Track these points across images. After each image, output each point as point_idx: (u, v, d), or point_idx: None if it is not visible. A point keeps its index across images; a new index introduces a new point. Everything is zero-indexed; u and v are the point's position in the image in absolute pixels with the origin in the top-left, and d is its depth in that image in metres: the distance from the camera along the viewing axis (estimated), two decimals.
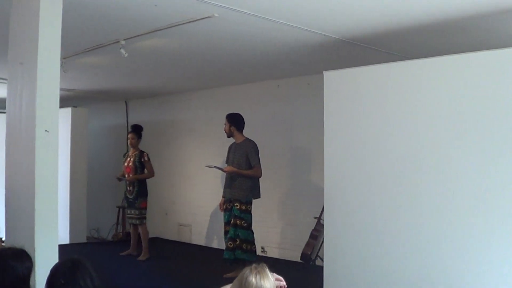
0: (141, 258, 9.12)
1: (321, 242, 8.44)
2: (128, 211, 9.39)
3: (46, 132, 4.41)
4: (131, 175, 9.20)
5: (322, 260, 8.04)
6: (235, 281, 2.98)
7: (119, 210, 11.80)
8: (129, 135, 9.49)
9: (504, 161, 4.96)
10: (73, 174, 10.96)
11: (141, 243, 9.31)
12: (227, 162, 8.06)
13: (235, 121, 7.97)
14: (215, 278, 7.65)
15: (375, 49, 6.95)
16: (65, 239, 10.37)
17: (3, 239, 6.30)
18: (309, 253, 8.61)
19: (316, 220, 8.58)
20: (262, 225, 9.00)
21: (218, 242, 10.22)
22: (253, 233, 7.81)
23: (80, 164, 11.22)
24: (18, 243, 3.81)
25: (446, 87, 5.40)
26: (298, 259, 8.79)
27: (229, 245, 7.73)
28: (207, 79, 9.91)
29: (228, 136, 8.04)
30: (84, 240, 11.20)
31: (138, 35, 6.32)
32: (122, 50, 6.53)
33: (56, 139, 4.51)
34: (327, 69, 6.43)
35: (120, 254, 9.49)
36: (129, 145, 9.58)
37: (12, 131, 4.80)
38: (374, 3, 5.29)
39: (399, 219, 5.65)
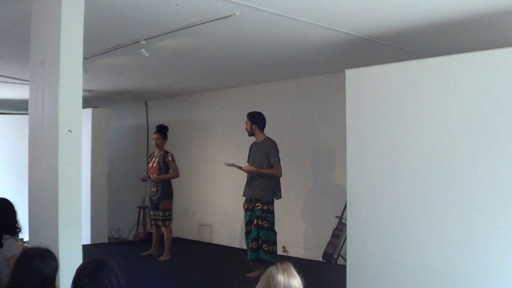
0: (162, 258, 9.10)
1: (343, 241, 8.39)
2: (152, 212, 9.38)
3: (69, 132, 4.41)
4: (155, 176, 9.19)
5: (344, 259, 8.01)
6: (262, 281, 2.95)
7: (139, 210, 11.81)
8: (154, 136, 9.43)
9: None
10: (94, 175, 10.97)
11: (162, 243, 9.30)
12: (248, 161, 8.03)
13: (257, 120, 7.91)
14: (238, 278, 7.65)
15: (397, 46, 6.90)
16: (87, 240, 10.38)
17: (25, 239, 6.33)
18: (331, 252, 8.55)
19: (338, 219, 8.53)
20: (283, 225, 8.96)
21: (239, 242, 10.18)
22: (275, 233, 7.74)
23: (101, 165, 11.24)
24: (42, 243, 3.82)
25: (470, 85, 5.35)
26: (320, 259, 8.73)
27: (253, 246, 7.67)
28: (227, 79, 9.90)
29: (250, 135, 7.97)
30: (105, 240, 11.23)
31: (159, 35, 6.32)
32: (143, 50, 6.52)
33: (79, 139, 4.52)
34: (347, 68, 6.39)
35: (142, 254, 9.48)
36: (154, 146, 9.52)
37: (35, 132, 4.81)
38: (395, 0, 5.25)
39: (423, 218, 5.60)
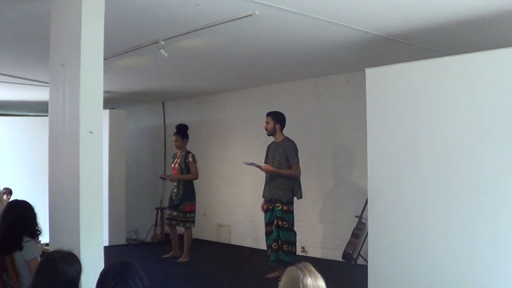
0: (181, 260, 9.08)
1: (363, 240, 8.35)
2: (168, 212, 9.30)
3: (90, 133, 4.40)
4: (174, 175, 9.15)
5: (364, 259, 7.98)
6: (286, 284, 2.90)
7: (157, 212, 11.80)
8: (173, 137, 9.34)
9: None
10: (111, 176, 10.96)
11: (181, 244, 9.26)
12: (266, 162, 7.97)
13: (280, 119, 7.87)
14: (258, 279, 7.62)
15: (416, 45, 6.85)
16: (105, 241, 10.33)
17: (42, 242, 6.31)
18: (351, 252, 8.51)
19: (358, 218, 8.49)
20: (302, 225, 8.93)
21: (258, 242, 10.15)
22: (295, 234, 7.70)
23: (119, 166, 11.25)
24: (63, 246, 3.80)
25: (492, 82, 5.29)
26: (339, 259, 8.70)
27: (273, 247, 7.64)
28: (245, 79, 9.89)
29: (270, 135, 7.91)
30: (123, 242, 11.24)
31: (178, 35, 6.30)
32: (162, 51, 6.50)
33: (100, 140, 4.51)
34: (366, 67, 6.38)
35: (163, 256, 9.42)
36: (175, 147, 9.45)
37: (55, 134, 4.80)
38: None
39: (445, 217, 5.55)
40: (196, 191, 9.26)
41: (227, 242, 11.13)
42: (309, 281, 2.81)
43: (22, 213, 4.81)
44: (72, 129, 4.46)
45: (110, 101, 11.87)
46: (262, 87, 10.53)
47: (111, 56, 7.27)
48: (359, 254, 8.52)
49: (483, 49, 5.50)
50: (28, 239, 4.71)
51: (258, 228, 9.91)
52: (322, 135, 9.50)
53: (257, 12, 5.41)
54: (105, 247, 4.75)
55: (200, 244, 10.81)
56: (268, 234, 7.81)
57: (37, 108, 13.18)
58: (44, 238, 5.41)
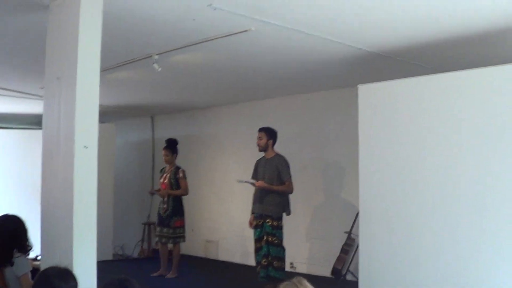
0: (169, 276, 9.02)
1: (352, 256, 8.34)
2: (159, 229, 9.17)
3: (85, 148, 4.36)
4: (163, 190, 9.09)
5: (353, 275, 7.97)
6: None
7: (145, 227, 11.73)
8: (163, 152, 9.30)
9: None
10: (99, 190, 10.75)
11: (170, 259, 9.19)
12: (254, 177, 7.96)
13: (273, 135, 7.89)
14: None
15: (408, 62, 6.89)
16: None
17: (33, 257, 6.24)
18: (340, 268, 8.50)
19: (347, 234, 8.48)
20: (291, 241, 8.88)
21: (246, 258, 10.11)
22: (284, 249, 7.69)
23: (107, 181, 11.12)
24: (56, 261, 3.75)
25: (481, 99, 5.37)
26: (328, 274, 8.67)
27: (263, 263, 7.62)
28: (237, 93, 9.90)
29: (262, 150, 7.90)
30: (110, 258, 11.11)
31: (172, 50, 6.29)
32: (155, 65, 6.48)
33: (95, 155, 4.46)
34: (357, 83, 6.42)
35: (152, 275, 9.30)
36: (164, 162, 9.40)
37: (49, 148, 4.75)
38: (408, 16, 5.27)
39: (437, 234, 5.59)
40: (184, 206, 9.21)
41: (215, 258, 11.07)
42: None
43: (14, 227, 4.74)
44: (67, 143, 4.42)
45: (99, 115, 11.78)
46: (253, 102, 10.53)
47: (103, 70, 7.23)
48: (348, 270, 8.50)
49: (475, 67, 5.57)
50: (19, 254, 4.65)
51: (246, 244, 9.86)
52: (312, 150, 9.50)
53: (252, 28, 5.43)
54: None
55: (188, 260, 10.75)
56: (257, 250, 7.78)
57: (24, 121, 13.09)
58: (35, 253, 5.35)
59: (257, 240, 7.79)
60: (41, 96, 8.66)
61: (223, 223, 11.02)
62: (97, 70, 4.50)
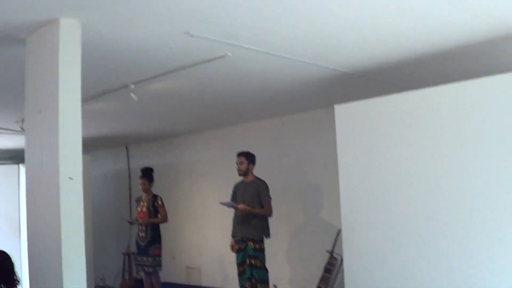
0: None
1: (335, 276, 8.37)
2: (139, 258, 9.13)
3: (70, 179, 4.36)
4: (144, 219, 9.05)
5: None
6: None
7: (125, 257, 11.64)
8: (140, 181, 9.28)
9: None
10: None
11: None
12: (233, 201, 7.98)
13: (253, 159, 7.97)
14: None
15: (381, 80, 6.98)
16: None
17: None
18: (324, 287, 8.51)
19: (329, 254, 8.51)
20: (273, 262, 8.90)
21: (229, 283, 10.11)
22: (267, 272, 7.72)
23: (85, 212, 11.05)
24: None
25: (461, 115, 5.42)
26: None
27: (247, 286, 7.65)
28: (212, 120, 9.93)
29: (243, 175, 7.95)
30: None
31: (149, 78, 6.29)
32: (133, 95, 6.45)
33: (80, 186, 4.46)
34: (332, 103, 6.48)
35: None
36: (141, 190, 9.38)
37: (33, 181, 4.75)
38: (378, 37, 5.35)
39: (420, 249, 5.62)
40: (162, 234, 9.20)
41: (197, 284, 11.04)
42: None
43: (1, 261, 4.72)
44: (51, 176, 4.41)
45: None
46: (229, 127, 10.57)
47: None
48: None
49: (444, 83, 5.64)
50: None
51: (228, 268, 9.86)
52: (290, 173, 9.55)
53: (229, 54, 5.46)
54: None
55: None
56: (241, 273, 7.80)
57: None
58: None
59: (240, 264, 7.81)
60: (15, 130, 8.64)
61: (204, 248, 11.01)
62: (78, 102, 4.52)
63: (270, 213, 7.77)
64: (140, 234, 9.05)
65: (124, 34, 4.91)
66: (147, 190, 9.20)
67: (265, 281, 7.65)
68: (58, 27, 4.40)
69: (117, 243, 12.36)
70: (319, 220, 9.07)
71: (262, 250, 7.68)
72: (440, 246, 5.45)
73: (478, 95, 5.31)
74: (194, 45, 5.20)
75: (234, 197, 7.98)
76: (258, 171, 8.06)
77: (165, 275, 9.73)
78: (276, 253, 9.28)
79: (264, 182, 7.84)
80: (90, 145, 12.29)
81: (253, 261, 7.60)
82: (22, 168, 9.35)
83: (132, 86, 6.41)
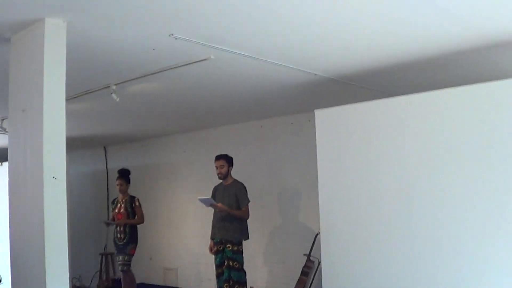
0: None
1: (312, 279, 8.44)
2: (117, 258, 9.14)
3: (54, 178, 4.37)
4: (121, 220, 9.04)
5: None
6: None
7: (102, 257, 11.60)
8: (117, 182, 9.25)
9: (498, 193, 5.05)
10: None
11: None
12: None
13: (232, 162, 8.00)
14: None
15: (362, 86, 7.05)
16: None
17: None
18: None
19: (306, 257, 8.57)
20: (250, 264, 8.94)
21: (206, 284, 10.12)
22: (245, 273, 7.76)
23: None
24: None
25: (441, 121, 5.50)
26: None
27: (225, 287, 7.67)
28: (192, 122, 9.93)
29: (223, 178, 7.96)
30: None
31: (131, 79, 6.29)
32: (114, 95, 6.45)
33: (64, 185, 4.48)
34: (311, 108, 6.55)
35: None
36: (118, 191, 9.38)
37: (17, 180, 4.73)
38: (359, 43, 5.41)
39: (397, 252, 5.69)
40: (139, 235, 9.21)
41: (174, 285, 11.03)
42: None
43: None
44: (35, 175, 4.42)
45: None
46: (206, 130, 10.61)
47: None
48: None
49: (431, 89, 5.70)
50: None
51: (205, 269, 9.89)
52: (267, 176, 9.60)
53: (212, 56, 5.49)
54: None
55: None
56: (219, 275, 7.83)
57: None
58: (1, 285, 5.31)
59: (218, 265, 7.84)
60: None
61: (181, 250, 11.01)
62: (63, 101, 4.53)
63: (246, 216, 7.79)
64: (118, 235, 9.04)
65: (109, 35, 4.91)
66: (124, 192, 9.20)
67: (243, 283, 7.69)
68: (43, 26, 4.40)
69: (94, 243, 12.32)
70: (296, 223, 9.13)
71: (240, 252, 7.71)
72: (417, 250, 5.52)
73: (456, 103, 5.39)
74: (178, 47, 5.21)
75: (214, 200, 7.99)
76: (237, 173, 8.09)
77: (142, 276, 9.77)
78: (254, 256, 9.32)
79: (243, 184, 7.89)
80: (69, 145, 12.15)
81: (231, 263, 7.63)
82: (5, 167, 9.25)
83: (114, 87, 6.41)
